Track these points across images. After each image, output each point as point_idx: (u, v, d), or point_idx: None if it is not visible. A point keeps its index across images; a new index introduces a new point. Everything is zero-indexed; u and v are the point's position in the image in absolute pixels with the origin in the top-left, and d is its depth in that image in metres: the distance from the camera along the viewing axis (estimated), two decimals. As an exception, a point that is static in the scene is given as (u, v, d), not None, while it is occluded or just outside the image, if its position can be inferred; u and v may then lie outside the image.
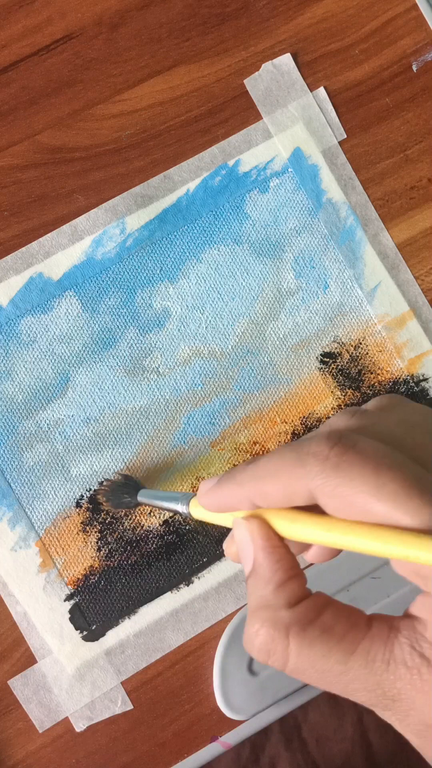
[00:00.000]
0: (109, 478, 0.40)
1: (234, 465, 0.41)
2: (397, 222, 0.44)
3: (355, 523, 0.22)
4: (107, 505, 0.40)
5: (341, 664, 0.22)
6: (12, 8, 0.42)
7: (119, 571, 0.40)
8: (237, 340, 0.42)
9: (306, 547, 0.27)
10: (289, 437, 0.42)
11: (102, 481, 0.40)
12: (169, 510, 0.34)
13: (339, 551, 0.26)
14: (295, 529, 0.24)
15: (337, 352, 0.43)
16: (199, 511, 0.29)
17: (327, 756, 0.43)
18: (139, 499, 0.38)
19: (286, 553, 0.24)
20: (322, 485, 0.22)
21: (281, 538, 0.24)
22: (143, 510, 0.41)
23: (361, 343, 0.43)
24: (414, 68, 0.44)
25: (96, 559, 0.40)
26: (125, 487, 0.39)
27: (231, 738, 0.41)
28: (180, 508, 0.31)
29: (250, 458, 0.25)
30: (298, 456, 0.23)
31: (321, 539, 0.23)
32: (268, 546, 0.24)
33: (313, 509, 0.24)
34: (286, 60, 0.43)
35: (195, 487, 0.41)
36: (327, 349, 0.43)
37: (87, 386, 0.41)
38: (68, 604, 0.40)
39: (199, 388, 0.42)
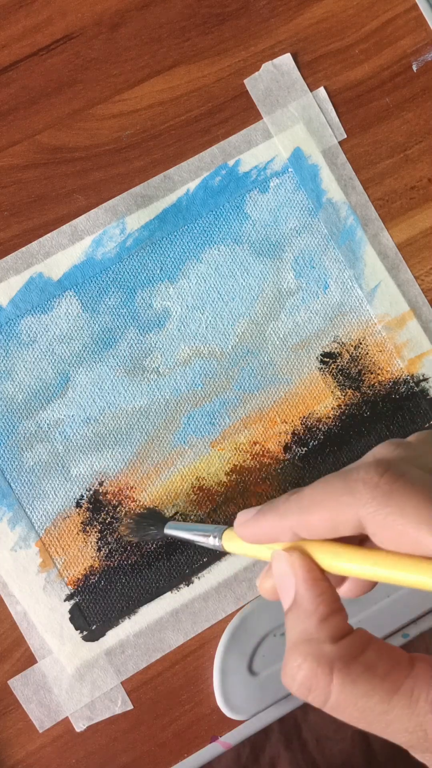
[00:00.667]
0: (132, 512, 0.40)
1: (234, 465, 0.41)
2: (397, 222, 0.44)
3: (405, 556, 0.21)
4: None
5: (384, 704, 0.21)
6: (12, 8, 0.42)
7: (119, 571, 0.40)
8: (237, 340, 0.42)
9: (339, 581, 0.26)
10: (289, 437, 0.42)
11: (126, 514, 0.40)
12: (199, 543, 0.32)
13: (374, 585, 0.26)
14: (340, 562, 0.23)
15: (337, 352, 0.43)
16: (233, 544, 0.29)
17: (327, 756, 0.43)
18: (167, 532, 0.37)
19: (328, 587, 0.24)
20: (373, 513, 0.21)
21: (323, 571, 0.24)
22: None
23: (361, 343, 0.43)
24: (414, 68, 0.44)
25: (96, 559, 0.40)
26: (149, 519, 0.39)
27: (231, 738, 0.41)
28: (212, 542, 0.30)
29: (291, 490, 0.25)
30: (345, 483, 0.22)
31: (368, 573, 0.22)
32: (310, 579, 0.23)
33: (349, 540, 0.23)
34: (286, 60, 0.43)
35: (195, 487, 0.41)
36: (327, 349, 0.43)
37: (87, 386, 0.41)
38: (68, 604, 0.40)
39: (199, 388, 0.42)
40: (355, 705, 0.21)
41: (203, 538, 0.32)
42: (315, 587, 0.23)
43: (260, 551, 0.26)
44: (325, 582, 0.24)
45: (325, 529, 0.23)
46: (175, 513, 0.41)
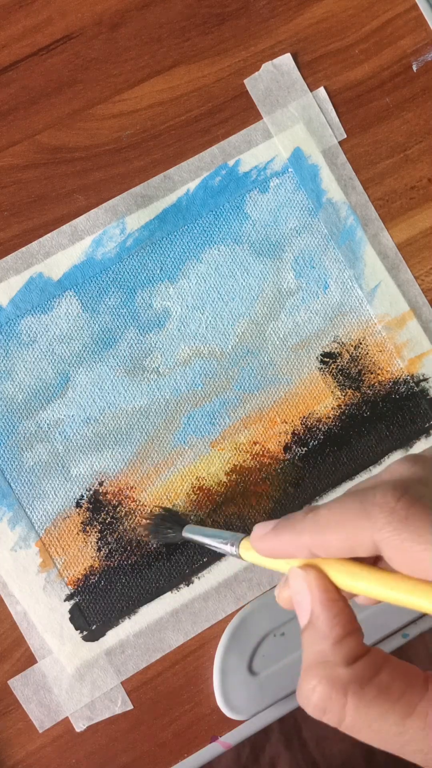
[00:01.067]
0: (151, 513, 0.40)
1: (234, 465, 0.41)
2: (397, 222, 0.44)
3: (421, 582, 0.21)
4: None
5: (398, 726, 0.21)
6: (12, 8, 0.42)
7: (119, 571, 0.40)
8: (237, 340, 0.42)
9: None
10: (289, 437, 0.42)
11: (145, 515, 0.40)
12: (216, 549, 0.33)
13: None
14: (356, 584, 0.23)
15: (337, 352, 0.43)
16: (250, 554, 0.29)
17: (327, 756, 0.43)
18: (185, 535, 0.37)
19: (344, 607, 0.24)
20: (389, 538, 0.21)
21: (338, 590, 0.24)
22: (144, 510, 0.41)
23: (361, 343, 0.43)
24: (414, 68, 0.44)
25: (96, 559, 0.40)
26: (168, 521, 0.39)
27: (231, 738, 0.41)
28: (229, 549, 0.31)
29: (306, 507, 0.25)
30: (362, 506, 0.22)
31: (383, 596, 0.22)
32: (326, 599, 0.24)
33: (364, 559, 0.23)
34: (286, 60, 0.43)
35: (195, 487, 0.41)
36: (327, 349, 0.43)
37: (87, 386, 0.41)
38: (68, 604, 0.40)
39: (199, 388, 0.42)
40: (370, 727, 0.22)
41: (221, 544, 0.32)
42: (331, 608, 0.23)
43: (278, 564, 0.26)
44: (341, 602, 0.24)
45: (341, 550, 0.23)
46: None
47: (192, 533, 0.36)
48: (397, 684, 0.22)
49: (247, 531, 0.41)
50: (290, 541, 0.24)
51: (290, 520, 0.25)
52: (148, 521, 0.40)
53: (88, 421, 0.41)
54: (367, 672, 0.22)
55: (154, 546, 0.40)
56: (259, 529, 0.26)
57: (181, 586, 0.41)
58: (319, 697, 0.22)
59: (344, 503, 0.23)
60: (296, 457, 0.42)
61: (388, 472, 0.24)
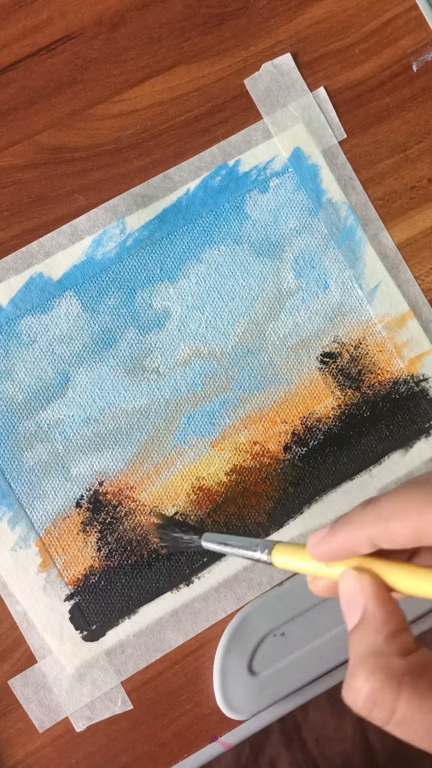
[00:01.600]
0: (154, 525, 0.40)
1: (234, 465, 0.41)
2: (397, 222, 0.44)
3: None
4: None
5: None
6: (12, 8, 0.42)
7: (119, 571, 0.40)
8: (237, 340, 0.42)
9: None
10: (289, 437, 0.42)
11: (152, 528, 0.40)
12: (244, 557, 0.31)
13: None
14: (415, 583, 0.23)
15: (337, 352, 0.43)
16: (284, 559, 0.28)
17: (327, 756, 0.43)
18: (204, 544, 0.35)
19: (396, 606, 0.24)
20: None
21: (390, 591, 0.24)
22: (143, 509, 0.41)
23: (361, 343, 0.43)
24: (414, 68, 0.44)
25: (96, 559, 0.40)
26: (177, 527, 0.38)
27: (231, 738, 0.41)
28: (260, 556, 0.30)
29: (363, 502, 0.25)
30: (428, 495, 0.22)
31: None
32: (380, 596, 0.24)
33: (398, 555, 0.23)
34: (286, 60, 0.43)
35: (195, 487, 0.41)
36: (327, 349, 0.43)
37: (87, 386, 0.41)
38: (68, 604, 0.40)
39: (199, 388, 0.42)
40: (422, 721, 0.21)
41: (249, 552, 0.31)
42: (386, 604, 0.23)
43: (317, 568, 0.26)
44: (394, 601, 0.24)
45: (407, 539, 0.23)
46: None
47: (213, 542, 0.34)
48: None
49: (247, 531, 0.41)
50: (351, 535, 0.24)
51: (347, 517, 0.25)
52: (159, 530, 0.39)
53: (88, 421, 0.41)
54: (421, 666, 0.22)
55: (155, 546, 0.40)
56: (315, 536, 0.26)
57: (181, 586, 0.41)
58: (372, 687, 0.22)
59: (407, 493, 0.23)
60: (296, 457, 0.42)
61: None
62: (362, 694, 0.22)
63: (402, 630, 0.23)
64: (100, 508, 0.41)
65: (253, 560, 0.31)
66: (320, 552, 0.25)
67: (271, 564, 0.29)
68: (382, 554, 0.25)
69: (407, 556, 0.26)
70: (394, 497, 0.23)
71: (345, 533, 0.24)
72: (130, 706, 0.40)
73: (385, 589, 0.24)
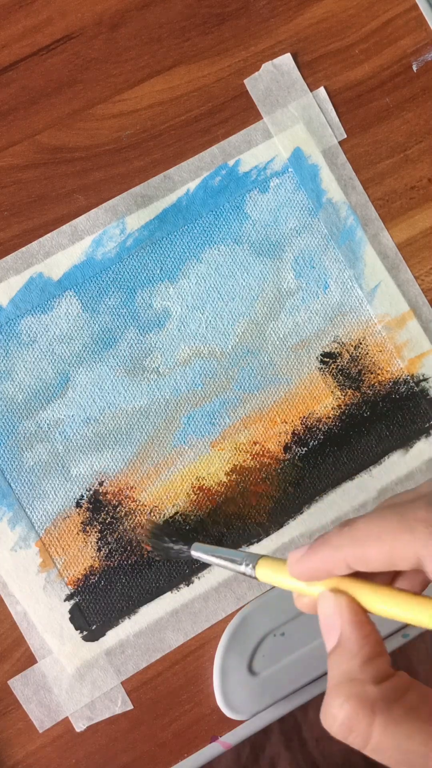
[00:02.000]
0: (147, 528, 0.40)
1: (234, 465, 0.41)
2: (397, 222, 0.44)
3: None
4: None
5: (425, 746, 0.21)
6: (12, 8, 0.42)
7: (119, 571, 0.40)
8: (237, 340, 0.42)
9: None
10: (289, 437, 0.42)
11: (144, 534, 0.40)
12: (229, 569, 0.32)
13: None
14: (386, 607, 0.23)
15: (337, 352, 0.43)
16: (267, 574, 0.29)
17: (327, 756, 0.43)
18: (193, 554, 0.36)
19: (373, 630, 0.24)
20: None
21: (367, 614, 0.24)
22: (143, 509, 0.41)
23: (361, 343, 0.43)
24: (414, 68, 0.44)
25: (96, 559, 0.40)
26: (167, 534, 0.38)
27: (231, 738, 0.41)
28: (244, 569, 0.30)
29: (341, 523, 0.25)
30: (403, 520, 0.22)
31: (413, 619, 0.22)
32: (356, 621, 0.24)
33: (380, 577, 0.23)
34: (286, 60, 0.43)
35: (195, 487, 0.41)
36: (327, 349, 0.43)
37: (87, 386, 0.41)
38: (68, 604, 0.40)
39: (199, 388, 0.42)
40: (398, 747, 0.21)
41: (234, 565, 0.31)
42: (361, 629, 0.24)
43: (299, 586, 0.26)
44: (370, 625, 0.24)
45: (381, 563, 0.23)
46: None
47: (201, 552, 0.35)
48: (424, 705, 0.22)
49: (247, 531, 0.41)
50: (328, 556, 0.24)
51: (325, 537, 0.25)
52: (150, 540, 0.39)
53: (88, 421, 0.41)
54: (395, 692, 0.22)
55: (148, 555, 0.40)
56: (295, 554, 0.26)
57: (181, 586, 0.41)
58: (346, 715, 0.22)
59: (383, 516, 0.23)
60: (296, 457, 0.42)
61: (427, 485, 0.24)
62: (337, 720, 0.22)
63: (377, 655, 0.23)
64: (100, 508, 0.41)
65: (238, 573, 0.31)
66: (299, 571, 0.26)
67: (255, 578, 0.29)
68: (363, 575, 0.25)
69: (390, 577, 0.26)
70: (369, 520, 0.23)
71: (322, 554, 0.25)
72: (130, 706, 0.40)
73: (362, 612, 0.24)
